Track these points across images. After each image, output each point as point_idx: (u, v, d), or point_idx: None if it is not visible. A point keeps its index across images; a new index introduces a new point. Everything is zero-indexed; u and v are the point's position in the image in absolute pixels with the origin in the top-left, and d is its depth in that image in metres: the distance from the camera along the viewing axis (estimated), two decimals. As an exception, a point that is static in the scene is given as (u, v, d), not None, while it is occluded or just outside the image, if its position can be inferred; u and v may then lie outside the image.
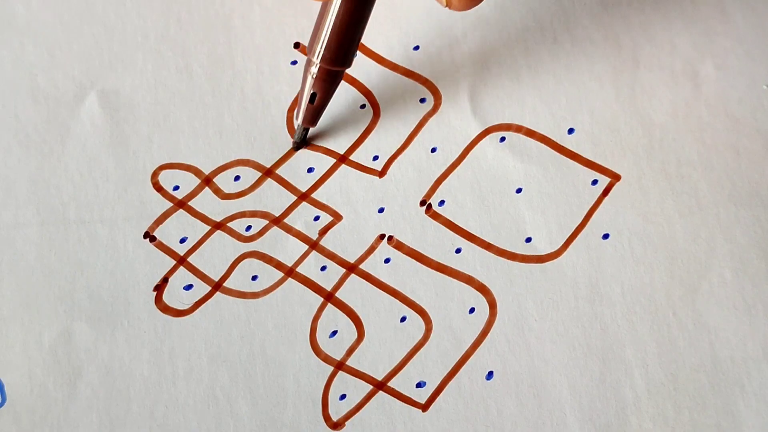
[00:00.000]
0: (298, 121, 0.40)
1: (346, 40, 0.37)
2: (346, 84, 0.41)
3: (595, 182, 0.40)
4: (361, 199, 0.40)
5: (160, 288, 0.38)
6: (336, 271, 0.39)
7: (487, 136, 0.40)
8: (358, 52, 0.42)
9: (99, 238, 0.39)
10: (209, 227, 0.39)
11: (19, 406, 0.36)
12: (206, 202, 0.40)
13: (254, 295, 0.38)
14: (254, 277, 0.38)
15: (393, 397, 0.37)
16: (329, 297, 0.38)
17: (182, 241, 0.39)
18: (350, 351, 0.37)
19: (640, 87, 0.41)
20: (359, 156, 0.40)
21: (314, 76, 0.38)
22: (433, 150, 0.40)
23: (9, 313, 0.38)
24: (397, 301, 0.38)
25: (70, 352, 0.37)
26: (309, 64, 0.38)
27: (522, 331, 0.37)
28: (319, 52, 0.38)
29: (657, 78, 0.41)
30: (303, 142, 0.40)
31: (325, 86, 0.38)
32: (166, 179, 0.40)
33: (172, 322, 0.38)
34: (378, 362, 0.37)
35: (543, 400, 0.36)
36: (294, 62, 0.42)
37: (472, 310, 0.38)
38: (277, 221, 0.39)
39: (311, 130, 0.40)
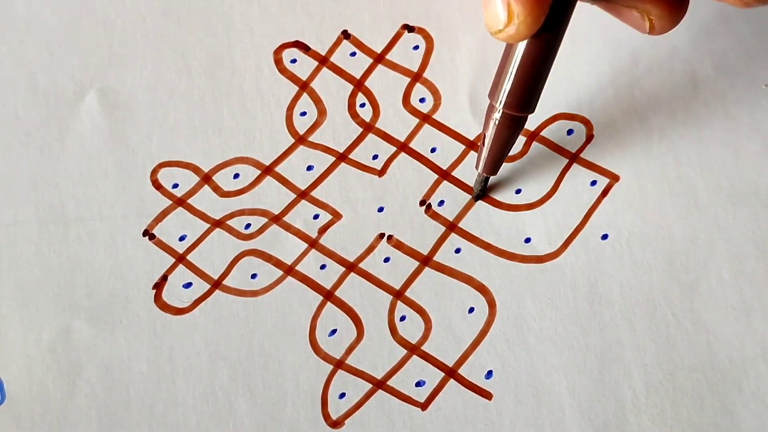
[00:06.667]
0: (478, 170, 0.38)
1: (531, 85, 0.35)
2: (346, 82, 0.41)
3: (594, 183, 0.40)
4: (360, 198, 0.40)
5: (159, 286, 0.38)
6: (335, 269, 0.39)
7: (487, 136, 0.41)
8: (356, 51, 0.42)
9: (98, 236, 0.39)
10: (208, 225, 0.39)
11: (18, 404, 0.36)
12: (205, 200, 0.40)
13: (253, 294, 0.38)
14: (253, 276, 0.38)
15: (392, 396, 0.37)
16: (329, 296, 0.38)
17: (181, 239, 0.39)
18: (350, 350, 0.37)
19: (639, 88, 0.41)
20: (359, 155, 0.40)
21: (497, 122, 0.36)
22: (433, 150, 0.40)
23: (8, 311, 0.38)
24: (397, 300, 0.38)
25: (69, 350, 0.37)
26: (491, 109, 0.36)
27: (521, 330, 0.37)
28: (502, 98, 0.35)
29: (656, 78, 0.41)
30: (483, 192, 0.39)
31: (508, 133, 0.36)
32: (166, 177, 0.40)
33: (171, 321, 0.38)
34: (377, 361, 0.37)
35: (542, 400, 0.36)
36: (293, 60, 0.42)
37: (471, 310, 0.38)
38: (276, 219, 0.39)
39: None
